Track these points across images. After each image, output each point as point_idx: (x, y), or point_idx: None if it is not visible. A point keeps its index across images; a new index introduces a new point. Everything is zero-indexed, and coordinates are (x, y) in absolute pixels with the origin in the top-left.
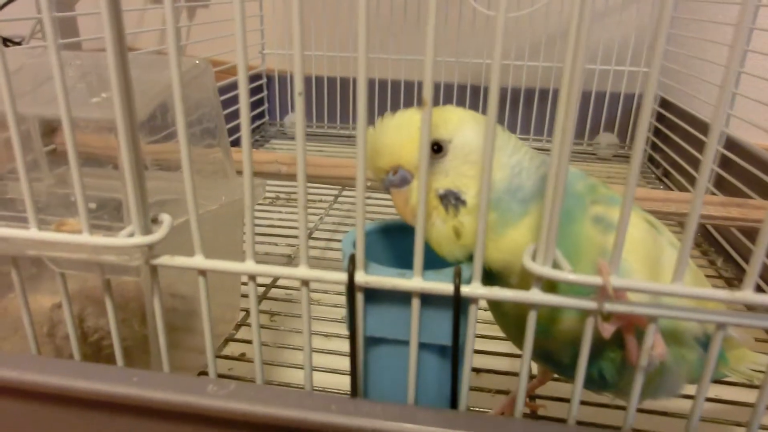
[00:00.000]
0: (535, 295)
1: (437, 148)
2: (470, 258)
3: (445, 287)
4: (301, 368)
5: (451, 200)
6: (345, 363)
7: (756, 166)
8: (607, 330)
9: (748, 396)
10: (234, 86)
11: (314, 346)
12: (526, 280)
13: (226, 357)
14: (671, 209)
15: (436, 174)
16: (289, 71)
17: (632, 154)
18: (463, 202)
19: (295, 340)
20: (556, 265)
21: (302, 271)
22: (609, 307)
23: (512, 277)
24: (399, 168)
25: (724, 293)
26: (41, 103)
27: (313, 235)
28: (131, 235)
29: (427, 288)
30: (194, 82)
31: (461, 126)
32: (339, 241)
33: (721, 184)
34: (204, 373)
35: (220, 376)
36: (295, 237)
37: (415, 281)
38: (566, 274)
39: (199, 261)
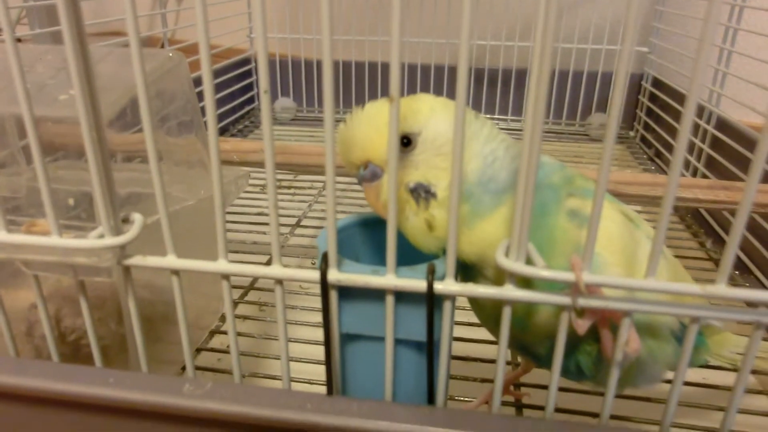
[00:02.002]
0: (508, 291)
1: (406, 142)
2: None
3: (419, 284)
4: (291, 360)
5: (421, 193)
6: None
7: (746, 147)
8: (581, 326)
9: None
10: (222, 71)
11: (302, 337)
12: (501, 272)
13: (212, 350)
14: (658, 193)
15: (406, 167)
16: (278, 55)
17: (603, 152)
18: (434, 195)
19: None
20: (529, 261)
21: (275, 270)
22: (582, 302)
23: (488, 269)
24: (369, 163)
25: (696, 288)
26: (11, 101)
27: (301, 223)
28: (101, 236)
29: (400, 285)
30: (168, 75)
31: (431, 117)
32: None
33: (712, 165)
34: None
35: (208, 368)
36: (286, 225)
37: (388, 278)
38: (539, 271)
39: (171, 261)
